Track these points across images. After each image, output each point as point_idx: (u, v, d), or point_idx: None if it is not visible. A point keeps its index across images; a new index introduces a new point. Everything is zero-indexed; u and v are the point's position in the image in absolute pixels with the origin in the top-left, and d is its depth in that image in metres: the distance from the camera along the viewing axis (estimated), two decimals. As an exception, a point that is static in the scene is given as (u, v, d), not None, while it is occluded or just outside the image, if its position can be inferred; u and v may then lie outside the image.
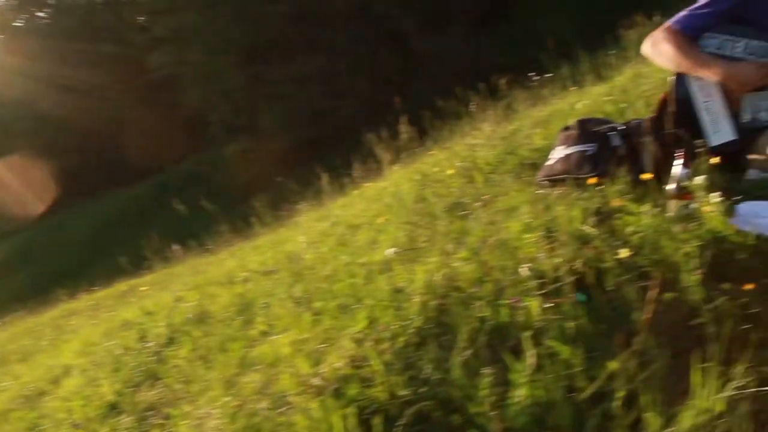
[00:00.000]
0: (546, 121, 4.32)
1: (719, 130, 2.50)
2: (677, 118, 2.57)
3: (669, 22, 2.52)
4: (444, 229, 2.54)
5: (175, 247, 8.96)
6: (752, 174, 2.42)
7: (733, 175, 2.46)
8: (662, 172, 2.65)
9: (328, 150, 20.14)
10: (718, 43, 2.43)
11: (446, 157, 4.35)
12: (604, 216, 2.18)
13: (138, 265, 10.66)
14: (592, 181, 2.56)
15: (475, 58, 19.94)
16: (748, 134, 2.42)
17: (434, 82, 19.82)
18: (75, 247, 25.19)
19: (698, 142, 2.41)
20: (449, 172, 3.68)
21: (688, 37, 2.46)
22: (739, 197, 2.19)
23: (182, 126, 25.24)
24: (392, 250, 2.48)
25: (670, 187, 2.21)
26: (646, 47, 2.56)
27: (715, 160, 2.17)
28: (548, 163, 2.85)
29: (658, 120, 2.67)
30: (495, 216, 2.64)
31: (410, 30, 19.48)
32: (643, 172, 2.51)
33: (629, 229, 1.98)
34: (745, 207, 2.20)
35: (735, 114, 2.43)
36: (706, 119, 2.51)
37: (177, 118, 25.11)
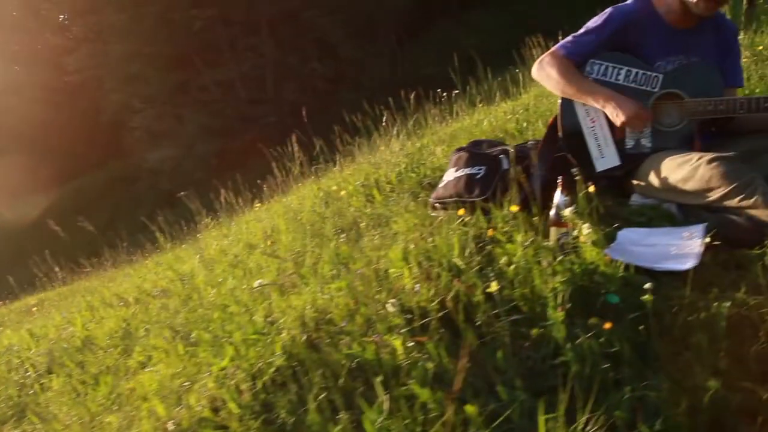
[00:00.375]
0: (451, 138, 4.31)
1: (605, 155, 2.51)
2: (565, 142, 2.58)
3: (556, 47, 2.52)
4: (330, 255, 2.45)
5: (85, 260, 8.50)
6: (635, 199, 2.44)
7: (617, 200, 2.49)
8: (548, 198, 2.67)
9: (252, 157, 19.83)
10: (602, 69, 2.45)
11: (352, 173, 4.27)
12: (483, 244, 2.14)
13: (50, 277, 10.08)
14: (481, 205, 2.54)
15: (400, 68, 20.16)
16: (632, 160, 2.44)
17: (361, 91, 19.94)
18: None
19: (580, 168, 2.42)
20: (350, 189, 3.60)
21: (573, 63, 2.47)
22: (617, 225, 2.21)
23: (104, 130, 24.29)
24: (263, 281, 2.37)
25: (552, 214, 2.20)
26: (535, 70, 2.57)
27: (592, 188, 2.16)
28: (440, 185, 2.81)
29: (546, 144, 2.67)
30: (383, 240, 2.57)
31: (338, 38, 19.41)
32: (530, 197, 2.51)
33: (503, 260, 1.94)
34: (623, 234, 2.21)
35: (620, 140, 2.45)
36: (592, 144, 2.52)
37: (98, 122, 24.13)
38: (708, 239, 1.95)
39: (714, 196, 2.06)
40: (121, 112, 22.43)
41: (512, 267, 1.90)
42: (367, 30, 19.41)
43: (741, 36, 3.18)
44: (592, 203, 2.28)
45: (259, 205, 5.64)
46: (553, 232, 2.17)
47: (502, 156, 2.70)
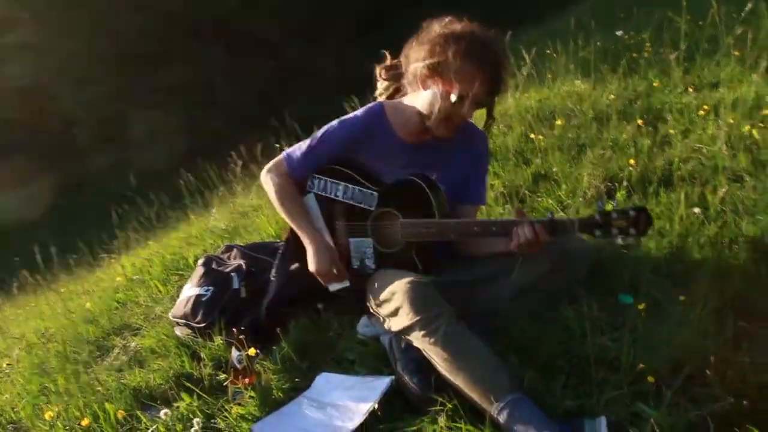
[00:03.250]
0: None
1: (334, 275, 2.31)
2: (300, 261, 2.36)
3: (282, 157, 2.30)
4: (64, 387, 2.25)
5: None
6: (360, 327, 2.24)
7: (347, 328, 2.30)
8: (279, 321, 2.46)
9: (199, 163, 19.55)
10: (322, 185, 2.24)
11: (155, 252, 4.03)
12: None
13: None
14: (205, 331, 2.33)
15: (353, 68, 19.87)
16: (360, 280, 2.24)
17: (311, 93, 19.64)
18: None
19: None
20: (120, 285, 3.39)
21: (295, 180, 2.26)
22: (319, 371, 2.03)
23: (50, 136, 23.73)
24: None
25: (230, 369, 2.01)
26: (263, 178, 2.34)
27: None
28: (179, 300, 2.59)
29: (283, 257, 2.46)
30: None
31: (284, 42, 19.05)
32: (252, 326, 2.32)
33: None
34: (320, 380, 2.03)
35: (347, 259, 2.24)
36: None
37: (44, 127, 23.58)
38: (376, 405, 1.78)
39: (404, 323, 1.86)
40: (66, 116, 21.92)
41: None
42: (314, 30, 19.05)
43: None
44: (283, 351, 2.11)
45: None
46: (229, 387, 1.98)
47: (233, 274, 2.49)
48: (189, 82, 19.96)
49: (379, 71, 2.33)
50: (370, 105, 2.23)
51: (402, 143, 2.17)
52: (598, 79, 4.12)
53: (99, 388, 2.22)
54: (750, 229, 2.08)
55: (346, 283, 2.25)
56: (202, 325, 2.37)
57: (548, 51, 4.70)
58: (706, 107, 3.02)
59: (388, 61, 2.31)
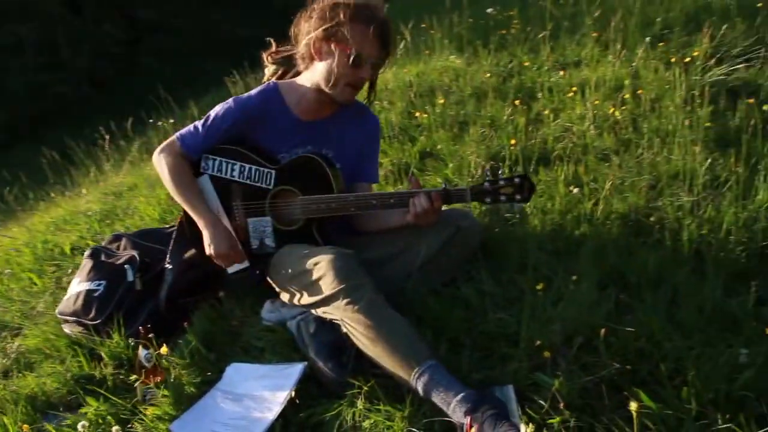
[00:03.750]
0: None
1: (232, 256, 2.29)
2: (193, 244, 2.32)
3: (175, 137, 2.24)
4: None
5: None
6: (265, 313, 2.25)
7: (246, 316, 2.30)
8: (176, 310, 2.42)
9: (48, 131, 17.96)
10: (216, 165, 2.22)
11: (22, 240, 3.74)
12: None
13: None
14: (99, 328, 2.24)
15: (212, 31, 18.95)
16: (261, 260, 2.25)
17: (163, 56, 18.54)
18: None
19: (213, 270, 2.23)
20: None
21: (190, 160, 2.21)
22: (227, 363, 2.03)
23: None
24: None
25: (137, 368, 1.96)
26: (154, 159, 2.26)
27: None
28: (66, 296, 2.46)
29: (177, 243, 2.39)
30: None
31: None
32: (153, 319, 2.26)
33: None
34: (229, 372, 2.03)
35: (245, 242, 2.23)
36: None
37: None
38: (293, 393, 1.83)
39: (325, 292, 1.90)
40: None
41: None
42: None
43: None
44: (191, 345, 2.09)
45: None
46: (139, 387, 1.94)
47: (127, 266, 2.39)
48: (30, 42, 18.18)
49: (266, 56, 2.36)
50: (263, 85, 2.25)
51: (297, 121, 2.21)
52: (471, 54, 4.31)
53: (-15, 399, 2.08)
54: (620, 206, 2.32)
55: (246, 264, 2.26)
56: (97, 321, 2.28)
57: (424, 25, 4.83)
58: (574, 89, 3.27)
59: (273, 47, 2.33)
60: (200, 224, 2.14)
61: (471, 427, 1.56)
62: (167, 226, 2.87)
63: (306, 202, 2.13)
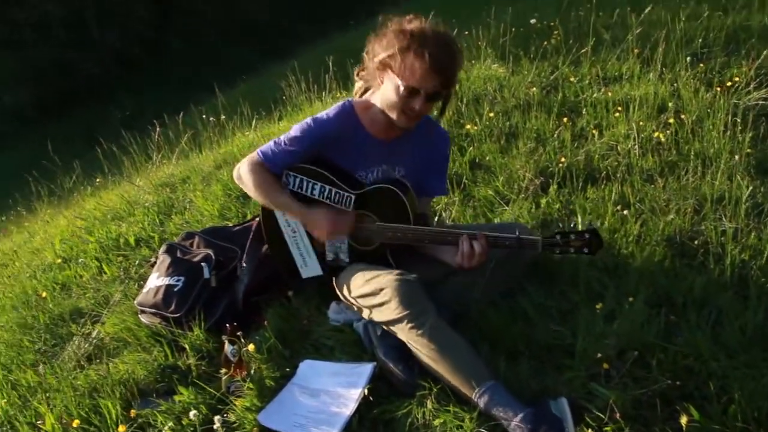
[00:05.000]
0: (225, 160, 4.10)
1: (308, 264, 2.48)
2: (271, 249, 2.52)
3: (254, 153, 2.40)
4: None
5: None
6: (331, 314, 2.44)
7: (314, 314, 2.49)
8: (252, 308, 2.62)
9: (75, 109, 18.22)
10: (297, 182, 2.37)
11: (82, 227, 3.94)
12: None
13: None
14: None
15: (237, 15, 19.06)
16: (333, 271, 2.43)
17: (192, 39, 18.70)
18: None
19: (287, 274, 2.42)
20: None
21: (271, 172, 2.37)
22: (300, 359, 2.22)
23: None
24: None
25: (223, 361, 2.16)
26: (235, 175, 2.43)
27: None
28: (144, 288, 2.66)
29: (253, 243, 2.59)
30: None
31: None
32: (228, 315, 2.46)
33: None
34: (303, 367, 2.23)
35: (321, 253, 2.42)
36: (295, 253, 2.47)
37: None
38: (366, 390, 2.01)
39: (390, 316, 2.09)
40: None
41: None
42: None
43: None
44: (269, 341, 2.28)
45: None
46: (225, 380, 2.14)
47: (203, 264, 2.59)
48: (57, 18, 18.41)
49: (357, 72, 2.47)
50: (340, 104, 2.36)
51: (373, 140, 2.34)
52: (513, 63, 4.45)
53: (80, 383, 2.28)
54: (665, 228, 2.48)
55: (320, 272, 2.45)
56: (178, 314, 2.47)
57: (466, 33, 4.97)
58: (620, 108, 3.42)
59: (364, 63, 2.45)
60: (299, 218, 2.32)
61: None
62: (231, 225, 3.05)
63: (383, 229, 2.29)
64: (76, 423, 2.04)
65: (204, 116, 5.11)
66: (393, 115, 2.20)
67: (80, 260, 3.40)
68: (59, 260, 3.55)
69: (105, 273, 3.26)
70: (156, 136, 5.04)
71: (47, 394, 2.24)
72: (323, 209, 2.30)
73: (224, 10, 18.46)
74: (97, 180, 5.53)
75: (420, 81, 2.09)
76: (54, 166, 5.30)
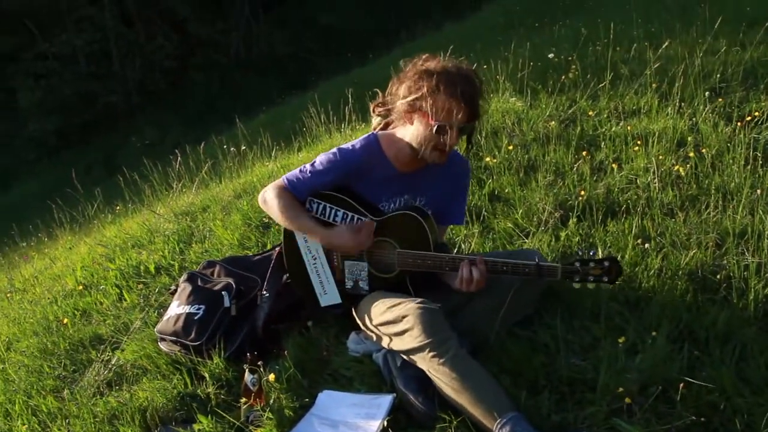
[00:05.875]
0: (245, 190, 4.15)
1: (327, 292, 2.49)
2: (291, 277, 2.54)
3: (281, 180, 2.43)
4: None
5: None
6: (350, 344, 2.44)
7: (333, 344, 2.49)
8: (271, 336, 2.63)
9: (95, 137, 18.57)
10: (320, 209, 2.41)
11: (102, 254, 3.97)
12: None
13: None
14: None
15: (255, 47, 19.42)
16: (352, 300, 2.44)
17: (213, 70, 19.05)
18: None
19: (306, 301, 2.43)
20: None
21: (295, 198, 2.40)
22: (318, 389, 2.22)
23: None
24: None
25: (242, 391, 2.16)
26: (260, 201, 2.47)
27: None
28: (164, 316, 2.68)
29: (274, 272, 2.61)
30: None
31: (186, 13, 18.39)
32: (247, 344, 2.47)
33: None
34: (322, 398, 2.22)
35: (339, 281, 2.44)
36: (315, 280, 2.49)
37: None
38: (386, 422, 2.00)
39: (412, 344, 2.09)
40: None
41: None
42: (217, 5, 18.50)
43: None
44: (289, 371, 2.28)
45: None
46: (244, 409, 2.14)
47: (224, 292, 2.61)
48: (83, 51, 18.88)
49: (372, 108, 2.53)
50: (366, 136, 2.42)
51: (396, 173, 2.39)
52: (531, 97, 4.49)
53: (100, 409, 2.29)
54: (686, 262, 2.47)
55: (339, 300, 2.46)
56: (198, 343, 2.49)
57: (484, 66, 5.03)
58: (639, 142, 3.43)
59: (379, 98, 2.52)
60: (323, 241, 2.34)
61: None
62: (251, 254, 3.08)
63: (403, 256, 2.31)
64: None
65: (225, 146, 5.19)
66: (426, 152, 2.26)
67: (101, 287, 3.43)
68: (80, 287, 3.59)
69: (125, 300, 3.29)
70: (177, 165, 5.11)
71: (67, 420, 2.25)
72: (335, 236, 2.33)
73: (245, 42, 18.81)
74: (117, 207, 5.61)
75: (452, 118, 2.17)
76: (76, 193, 5.39)
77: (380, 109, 2.51)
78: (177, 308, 2.62)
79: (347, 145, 2.39)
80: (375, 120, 2.54)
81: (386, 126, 2.52)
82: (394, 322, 2.16)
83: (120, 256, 3.86)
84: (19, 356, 3.01)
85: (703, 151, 3.23)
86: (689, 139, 3.40)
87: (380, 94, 2.50)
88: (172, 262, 3.54)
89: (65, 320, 3.17)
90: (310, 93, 7.45)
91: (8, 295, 4.31)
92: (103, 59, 19.16)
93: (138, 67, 18.65)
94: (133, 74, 18.60)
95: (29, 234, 6.41)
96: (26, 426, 2.33)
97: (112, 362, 2.71)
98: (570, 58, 4.79)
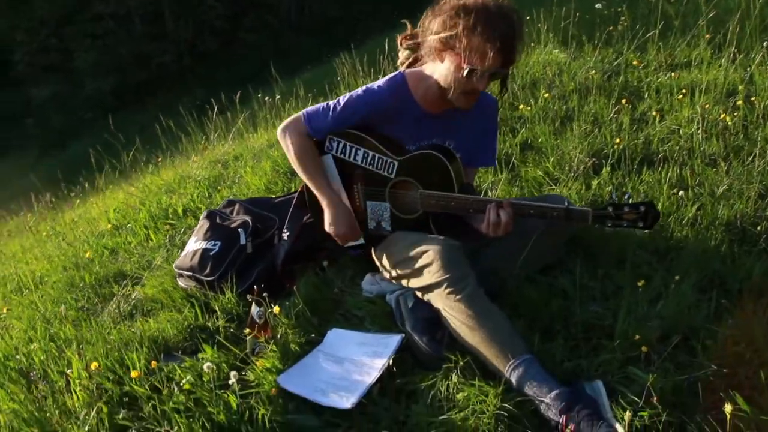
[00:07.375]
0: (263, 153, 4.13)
1: (349, 231, 2.43)
2: (312, 216, 2.48)
3: (302, 115, 2.34)
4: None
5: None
6: (365, 285, 2.39)
7: (348, 284, 2.44)
8: (289, 273, 2.59)
9: (149, 97, 18.88)
10: (341, 147, 2.32)
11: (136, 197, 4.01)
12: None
13: None
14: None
15: (306, 9, 19.33)
16: (374, 240, 2.37)
17: (263, 32, 19.06)
18: None
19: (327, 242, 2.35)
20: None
21: (313, 141, 2.33)
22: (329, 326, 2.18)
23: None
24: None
25: (248, 323, 2.14)
26: (278, 134, 2.39)
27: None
28: (183, 252, 2.67)
29: (295, 211, 2.56)
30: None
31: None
32: (261, 281, 2.43)
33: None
34: (331, 335, 2.18)
35: (362, 221, 2.36)
36: (337, 220, 2.43)
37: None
38: (391, 361, 1.95)
39: (430, 280, 2.02)
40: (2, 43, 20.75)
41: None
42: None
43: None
44: (297, 307, 2.24)
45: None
46: (249, 341, 2.11)
47: (240, 229, 2.58)
48: (138, 11, 19.15)
49: (400, 40, 2.40)
50: (392, 75, 2.28)
51: (423, 113, 2.25)
52: (576, 49, 4.29)
53: (113, 337, 2.31)
54: (725, 212, 2.31)
55: (361, 241, 2.40)
56: (212, 278, 2.47)
57: (528, 17, 4.82)
58: (684, 91, 3.23)
59: (408, 30, 2.38)
60: (323, 203, 2.27)
61: (566, 426, 1.62)
62: (273, 196, 3.04)
63: (426, 197, 2.21)
64: (94, 366, 2.04)
65: (260, 95, 5.16)
66: (453, 95, 2.11)
67: (129, 226, 3.47)
68: (110, 227, 3.64)
69: (151, 240, 3.31)
70: (214, 116, 5.11)
71: (80, 346, 2.27)
72: (336, 208, 2.26)
73: (297, 4, 18.73)
74: (159, 159, 5.67)
75: (485, 63, 1.99)
76: (118, 143, 5.46)
77: (409, 42, 2.38)
78: (194, 244, 2.61)
79: (373, 85, 2.26)
80: (403, 54, 2.41)
81: (415, 61, 2.39)
82: (414, 259, 2.07)
83: (151, 199, 3.90)
84: (48, 288, 3.08)
85: (754, 100, 3.01)
86: (741, 88, 3.18)
87: (409, 26, 2.38)
88: (199, 206, 3.55)
89: (88, 253, 3.21)
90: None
91: (50, 236, 4.42)
92: (156, 20, 19.39)
93: (190, 28, 18.79)
94: (185, 35, 18.76)
95: (77, 184, 6.57)
96: (43, 350, 2.37)
97: (133, 296, 2.73)
98: (619, 10, 4.53)
